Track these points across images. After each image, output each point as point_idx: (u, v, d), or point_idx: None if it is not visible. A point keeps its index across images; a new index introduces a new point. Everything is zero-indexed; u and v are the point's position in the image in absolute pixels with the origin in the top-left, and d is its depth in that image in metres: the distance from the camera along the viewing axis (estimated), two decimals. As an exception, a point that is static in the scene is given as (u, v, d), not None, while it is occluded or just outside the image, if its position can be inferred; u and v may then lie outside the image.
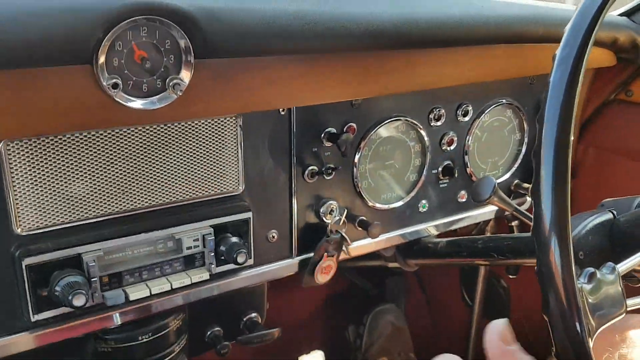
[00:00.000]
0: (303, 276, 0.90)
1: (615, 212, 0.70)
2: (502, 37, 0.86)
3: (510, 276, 1.38)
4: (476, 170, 1.05)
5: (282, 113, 0.81)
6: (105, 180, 0.70)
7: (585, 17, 0.53)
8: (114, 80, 0.59)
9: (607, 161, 1.14)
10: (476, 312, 1.53)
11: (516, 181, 1.12)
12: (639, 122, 1.11)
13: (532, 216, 0.68)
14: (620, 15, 1.07)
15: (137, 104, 0.62)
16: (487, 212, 1.11)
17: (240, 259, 0.77)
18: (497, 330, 0.44)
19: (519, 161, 1.10)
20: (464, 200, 1.06)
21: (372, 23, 0.72)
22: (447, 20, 0.79)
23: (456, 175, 1.01)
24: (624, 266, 0.52)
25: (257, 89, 0.71)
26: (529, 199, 1.13)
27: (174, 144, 0.74)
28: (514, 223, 1.29)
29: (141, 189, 0.73)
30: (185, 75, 0.63)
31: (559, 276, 0.46)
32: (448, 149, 1.00)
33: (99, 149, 0.68)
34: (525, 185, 1.12)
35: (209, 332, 0.96)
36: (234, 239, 0.78)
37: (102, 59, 0.57)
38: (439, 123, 0.96)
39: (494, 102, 1.02)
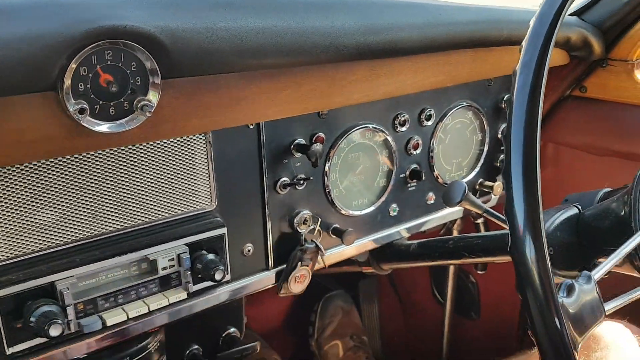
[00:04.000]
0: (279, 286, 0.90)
1: (580, 207, 0.72)
2: (460, 43, 0.89)
3: (479, 272, 1.42)
4: (442, 172, 1.08)
5: (251, 127, 0.81)
6: (75, 206, 0.69)
7: (544, 22, 0.55)
8: (81, 106, 0.58)
9: (566, 156, 1.19)
10: (448, 309, 1.56)
11: (480, 180, 1.15)
12: (593, 117, 1.16)
13: (501, 216, 0.70)
14: (570, 15, 1.12)
15: (104, 127, 0.61)
16: (454, 212, 1.14)
17: (217, 276, 0.77)
18: None
19: (481, 161, 1.13)
20: (432, 202, 1.08)
21: (335, 36, 0.74)
22: (407, 30, 0.81)
23: (423, 178, 1.03)
24: (598, 273, 0.54)
25: (224, 107, 0.71)
26: (494, 196, 1.17)
27: (143, 165, 0.73)
28: (480, 220, 1.33)
29: (112, 212, 0.73)
30: (153, 96, 0.63)
31: (542, 296, 0.48)
32: (414, 152, 1.02)
33: (66, 175, 0.67)
34: (488, 183, 1.15)
35: (187, 352, 0.95)
36: (210, 256, 0.78)
37: (67, 85, 0.57)
38: (404, 128, 0.99)
39: (455, 105, 1.05)
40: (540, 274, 0.48)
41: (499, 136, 1.14)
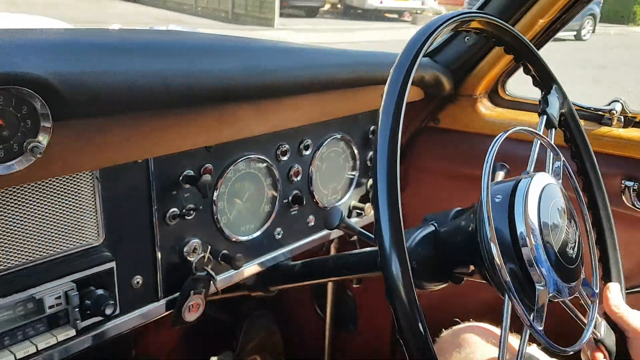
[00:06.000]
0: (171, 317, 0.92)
1: (436, 224, 0.83)
2: (332, 84, 0.99)
3: (355, 285, 1.53)
4: (320, 196, 1.18)
5: (140, 162, 0.83)
6: (-46, 249, 0.67)
7: (402, 67, 0.65)
8: (-32, 149, 0.58)
9: (425, 179, 1.35)
10: (328, 323, 1.66)
11: (353, 202, 1.27)
12: (446, 145, 1.33)
13: (372, 236, 0.80)
14: (424, 56, 1.28)
15: (-7, 170, 0.61)
16: (332, 232, 1.24)
17: (108, 311, 0.77)
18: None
19: (353, 185, 1.25)
20: (312, 224, 1.17)
21: (223, 78, 0.79)
22: (287, 72, 0.90)
23: (305, 202, 1.12)
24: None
25: (115, 145, 0.73)
26: (365, 216, 1.28)
27: (26, 203, 0.72)
28: (354, 237, 1.45)
29: (-6, 252, 0.71)
30: (43, 138, 0.64)
31: (406, 304, 0.57)
32: (295, 179, 1.10)
33: (-56, 217, 0.65)
34: (360, 205, 1.27)
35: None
36: (100, 292, 0.79)
37: (-46, 130, 0.56)
38: (285, 158, 1.06)
39: (329, 136, 1.15)
40: (405, 285, 0.57)
41: (368, 163, 1.27)
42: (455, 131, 1.30)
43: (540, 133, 0.81)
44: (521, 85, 1.23)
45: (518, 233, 0.70)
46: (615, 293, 0.84)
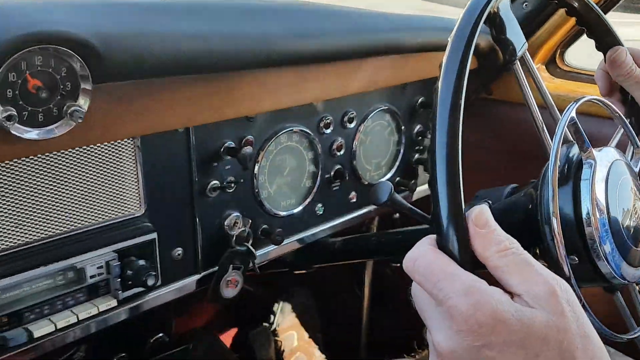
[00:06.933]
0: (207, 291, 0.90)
1: (490, 202, 0.79)
2: (383, 50, 0.94)
3: (394, 265, 1.49)
4: (363, 172, 1.13)
5: (180, 131, 0.81)
6: (-4, 215, 0.66)
7: (466, 26, 0.60)
8: (9, 113, 0.56)
9: (475, 155, 1.29)
10: (365, 301, 1.63)
11: (397, 178, 1.22)
12: (498, 117, 1.26)
13: (424, 214, 0.75)
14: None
15: (33, 134, 0.59)
16: (375, 209, 1.20)
17: (150, 282, 0.76)
18: (470, 217, 0.48)
19: (398, 160, 1.20)
20: (354, 200, 1.13)
21: (266, 42, 0.76)
22: (333, 37, 0.85)
23: (347, 178, 1.08)
24: None
25: (156, 111, 0.71)
26: (409, 193, 1.24)
27: (68, 171, 0.71)
28: (396, 216, 1.41)
29: (36, 220, 0.70)
30: (83, 101, 0.62)
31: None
32: (338, 154, 1.06)
33: (-14, 183, 0.64)
34: (405, 181, 1.22)
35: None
36: (141, 262, 0.77)
37: (-7, 91, 0.54)
38: (328, 131, 1.02)
39: (374, 107, 1.10)
40: (458, 244, 0.52)
41: (415, 137, 1.22)
42: (509, 103, 1.23)
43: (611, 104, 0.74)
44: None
45: (583, 211, 0.65)
46: None
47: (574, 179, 0.67)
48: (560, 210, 0.65)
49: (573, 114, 0.68)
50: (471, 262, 0.48)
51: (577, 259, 0.65)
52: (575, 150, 0.72)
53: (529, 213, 0.70)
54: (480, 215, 0.46)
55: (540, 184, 0.69)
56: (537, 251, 0.69)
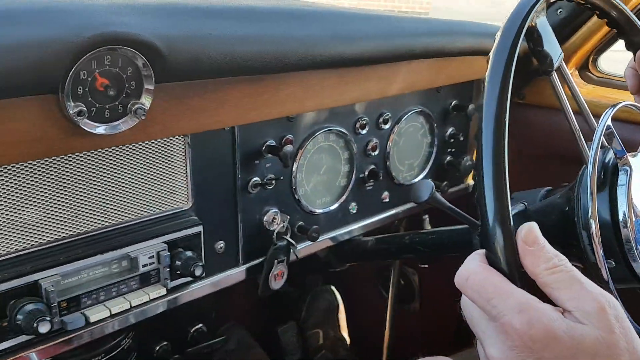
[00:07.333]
0: (258, 285, 0.94)
1: (526, 204, 0.80)
2: (419, 53, 0.97)
3: (421, 265, 1.51)
4: (396, 172, 1.16)
5: (227, 130, 0.85)
6: (59, 206, 0.70)
7: (515, 22, 0.62)
8: (79, 108, 0.60)
9: (508, 159, 1.30)
10: (390, 301, 1.65)
11: (429, 180, 1.24)
12: (530, 122, 1.28)
13: (464, 214, 0.77)
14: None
15: (101, 129, 0.63)
16: (404, 209, 1.22)
17: (197, 272, 0.80)
18: (520, 234, 0.50)
19: (431, 161, 1.22)
20: (387, 200, 1.16)
21: (312, 45, 0.79)
22: (374, 41, 0.88)
23: (380, 178, 1.11)
24: None
25: (210, 109, 0.75)
26: (442, 194, 1.26)
27: (124, 165, 0.75)
28: (425, 217, 1.43)
29: (93, 211, 0.74)
30: (146, 100, 0.65)
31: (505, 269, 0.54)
32: (372, 154, 1.09)
33: (51, 175, 0.68)
34: (437, 182, 1.24)
35: (157, 348, 0.97)
36: (189, 253, 0.81)
37: (68, 89, 0.58)
38: (364, 131, 1.05)
39: (409, 109, 1.13)
40: (509, 262, 0.54)
41: (447, 139, 1.24)
42: (541, 108, 1.25)
43: (648, 111, 0.76)
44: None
45: (620, 215, 0.67)
46: None
47: (610, 184, 0.69)
48: (598, 214, 0.67)
49: (609, 121, 0.70)
50: (522, 279, 0.50)
51: (614, 262, 0.67)
52: (610, 156, 0.73)
53: (565, 215, 0.72)
54: (530, 233, 0.48)
55: (577, 188, 0.70)
56: (576, 252, 0.71)
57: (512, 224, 0.52)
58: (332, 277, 1.75)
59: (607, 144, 0.84)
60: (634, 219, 0.66)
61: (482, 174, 0.55)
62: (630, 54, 0.84)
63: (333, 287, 1.65)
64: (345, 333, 1.70)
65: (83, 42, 0.56)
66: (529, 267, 0.46)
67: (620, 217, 0.67)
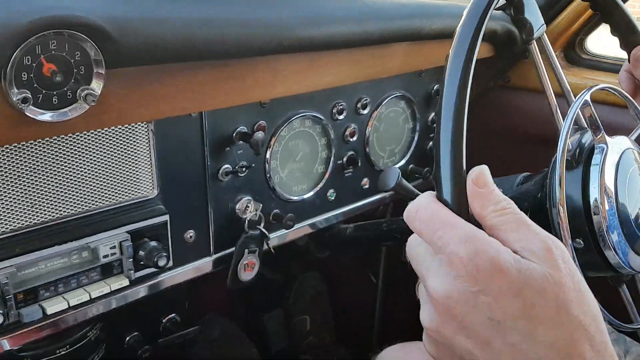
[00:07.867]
0: (226, 276, 0.92)
1: (501, 190, 0.78)
2: (395, 36, 0.94)
3: (404, 259, 1.48)
4: (376, 159, 1.13)
5: (194, 116, 0.82)
6: (13, 195, 0.68)
7: (473, 16, 0.59)
8: (24, 95, 0.57)
9: (492, 143, 1.27)
10: (379, 287, 1.63)
11: (411, 166, 1.22)
12: (516, 105, 1.24)
13: None
14: (496, 9, 1.19)
15: (47, 116, 0.60)
16: (387, 196, 1.20)
17: (161, 263, 0.78)
18: (470, 176, 0.48)
19: (412, 147, 1.20)
20: (367, 186, 1.13)
21: (278, 28, 0.76)
22: (345, 23, 0.85)
23: (359, 164, 1.08)
24: None
25: (169, 96, 0.72)
26: (423, 181, 1.23)
27: (83, 153, 0.72)
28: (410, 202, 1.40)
29: (52, 200, 0.72)
30: (97, 85, 0.63)
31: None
32: (351, 140, 1.06)
33: (3, 164, 0.66)
34: (419, 168, 1.22)
35: (128, 338, 0.95)
36: (153, 243, 0.79)
37: (10, 75, 0.55)
38: (341, 117, 1.02)
39: (389, 94, 1.10)
40: (459, 202, 0.51)
41: (430, 124, 1.21)
42: (527, 90, 1.21)
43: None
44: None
45: (591, 200, 0.64)
46: None
47: (584, 164, 0.66)
48: (569, 196, 0.65)
49: (587, 97, 0.67)
50: (468, 218, 0.47)
51: (582, 242, 0.65)
52: (588, 137, 0.71)
53: (538, 201, 0.70)
54: (480, 176, 0.46)
55: (550, 171, 0.68)
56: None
57: (464, 167, 0.49)
58: (318, 263, 1.73)
59: (586, 125, 0.81)
60: (606, 207, 0.64)
61: (441, 118, 0.52)
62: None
63: (319, 273, 1.63)
64: (332, 319, 1.69)
65: (24, 27, 0.53)
66: (476, 209, 0.45)
67: (592, 203, 0.64)
